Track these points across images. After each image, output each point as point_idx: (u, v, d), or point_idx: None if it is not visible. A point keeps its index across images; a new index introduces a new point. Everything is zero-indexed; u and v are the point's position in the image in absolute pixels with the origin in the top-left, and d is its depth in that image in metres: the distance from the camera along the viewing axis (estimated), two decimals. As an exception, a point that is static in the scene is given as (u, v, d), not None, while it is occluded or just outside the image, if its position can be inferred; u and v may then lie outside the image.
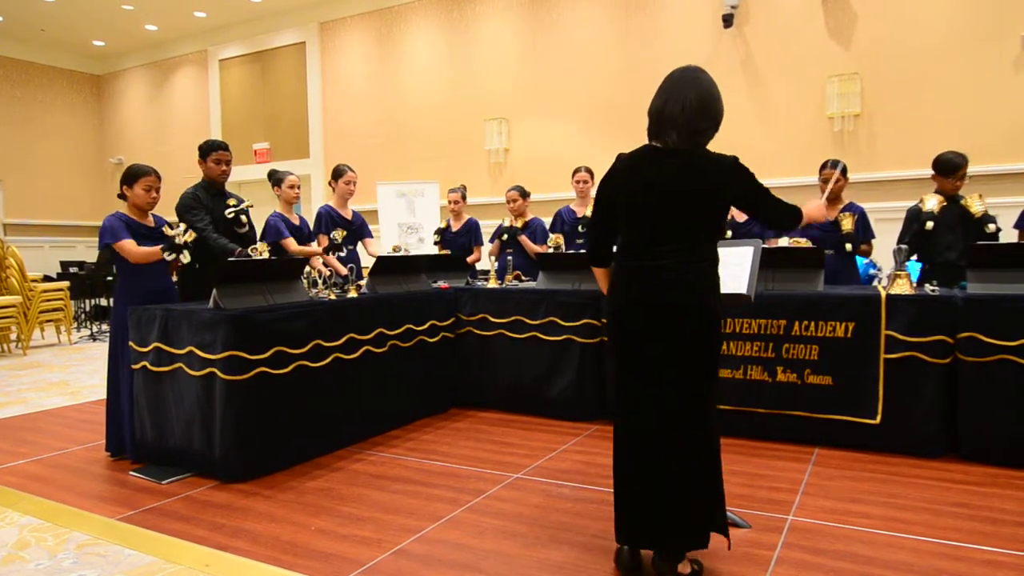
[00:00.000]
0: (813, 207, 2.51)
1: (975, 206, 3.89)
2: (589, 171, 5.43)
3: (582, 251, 5.00)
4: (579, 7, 7.43)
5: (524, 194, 5.54)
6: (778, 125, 6.46)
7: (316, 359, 3.57)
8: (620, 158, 2.31)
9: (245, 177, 9.53)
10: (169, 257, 3.50)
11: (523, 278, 5.00)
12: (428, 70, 8.45)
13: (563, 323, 4.24)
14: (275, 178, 4.65)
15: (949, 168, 4.04)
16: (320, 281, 4.05)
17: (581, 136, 7.28)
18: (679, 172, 2.18)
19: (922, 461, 3.35)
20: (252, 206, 4.21)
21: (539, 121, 7.70)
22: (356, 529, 2.70)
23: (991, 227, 3.82)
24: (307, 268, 4.06)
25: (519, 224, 5.49)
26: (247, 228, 4.12)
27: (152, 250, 3.54)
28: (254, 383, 3.26)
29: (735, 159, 2.21)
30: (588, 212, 5.26)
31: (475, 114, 8.03)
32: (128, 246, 3.53)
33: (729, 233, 4.57)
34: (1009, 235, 4.31)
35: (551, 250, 5.02)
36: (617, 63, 7.03)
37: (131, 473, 3.43)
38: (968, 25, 5.70)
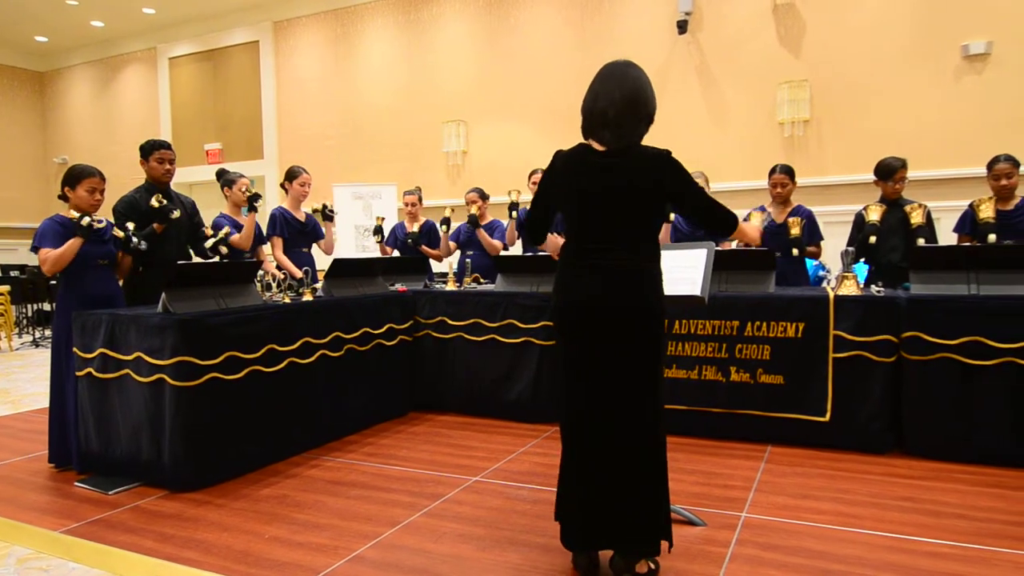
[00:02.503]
0: (753, 228, 2.53)
1: (915, 218, 4.04)
2: None
3: (541, 253, 5.02)
4: (536, 11, 7.47)
5: (484, 196, 5.53)
6: (731, 130, 6.59)
7: (270, 364, 3.50)
8: (558, 156, 2.31)
9: (196, 178, 9.31)
10: (83, 229, 3.35)
11: (482, 280, 5.00)
12: (385, 71, 8.38)
13: (521, 325, 4.25)
14: (225, 179, 4.54)
15: (888, 172, 4.21)
16: (274, 284, 3.98)
17: (539, 139, 7.31)
18: (614, 171, 2.18)
19: (870, 457, 3.45)
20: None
21: (497, 124, 7.71)
22: (312, 536, 2.66)
23: (920, 241, 3.96)
24: (260, 271, 3.97)
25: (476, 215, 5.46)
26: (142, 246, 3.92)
27: (67, 244, 3.37)
28: (205, 389, 3.18)
29: (668, 153, 2.20)
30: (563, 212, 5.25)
31: (433, 116, 8.00)
32: (46, 255, 3.36)
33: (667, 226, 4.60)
34: (949, 238, 4.48)
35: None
36: (574, 67, 7.08)
37: (76, 484, 3.31)
38: (912, 36, 5.91)
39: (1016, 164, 4.03)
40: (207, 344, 3.20)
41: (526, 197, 4.61)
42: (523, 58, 7.53)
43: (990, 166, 4.10)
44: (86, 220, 3.38)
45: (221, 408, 3.26)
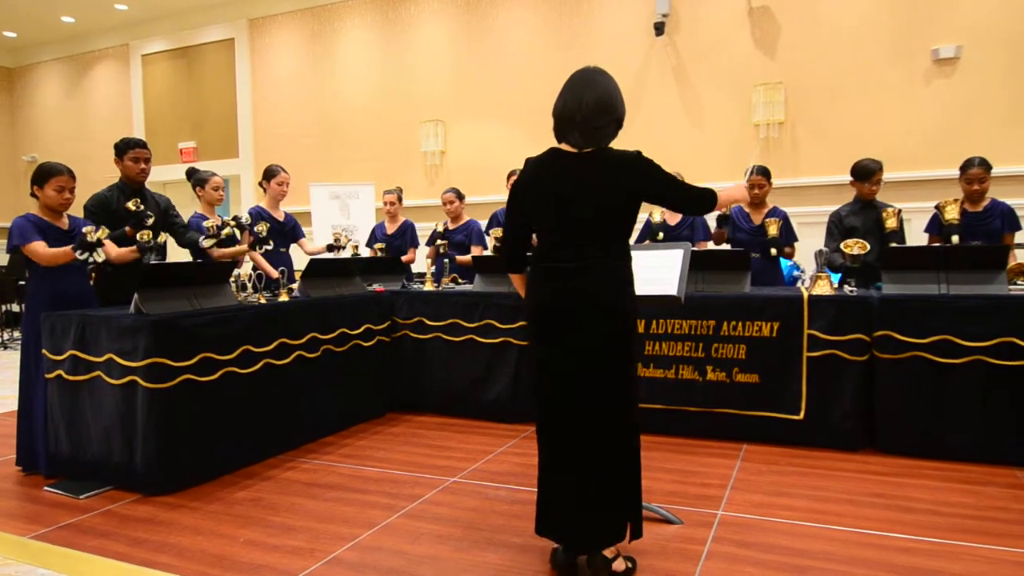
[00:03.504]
0: (736, 191, 2.52)
1: (889, 222, 4.11)
2: None
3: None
4: (514, 11, 7.47)
5: (460, 196, 5.53)
6: (707, 131, 6.64)
7: (245, 365, 3.46)
8: (528, 163, 2.33)
9: (170, 177, 9.16)
10: (81, 256, 3.33)
11: (460, 281, 4.99)
12: (363, 70, 8.33)
13: (500, 325, 4.25)
14: (197, 178, 4.47)
15: (865, 173, 4.27)
16: (250, 285, 3.94)
17: (517, 139, 7.31)
18: (585, 173, 2.20)
19: (843, 454, 3.50)
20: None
21: (475, 124, 7.70)
22: (288, 539, 2.63)
23: (893, 246, 4.03)
24: (236, 271, 3.93)
25: (451, 226, 5.46)
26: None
27: (62, 250, 3.35)
28: (179, 391, 3.13)
29: (638, 153, 2.23)
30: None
31: (411, 116, 7.97)
32: (37, 248, 3.34)
33: (661, 235, 4.66)
34: (920, 238, 4.56)
35: (489, 250, 5.00)
36: (553, 68, 7.09)
37: (45, 488, 3.24)
38: (884, 39, 6.00)
39: (988, 168, 4.10)
40: (181, 345, 3.16)
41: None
42: (501, 58, 7.53)
43: (963, 168, 4.17)
44: (87, 230, 3.32)
45: (195, 410, 3.22)
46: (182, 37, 9.57)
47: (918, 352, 3.37)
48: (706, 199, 2.33)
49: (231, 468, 3.41)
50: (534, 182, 2.29)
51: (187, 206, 5.29)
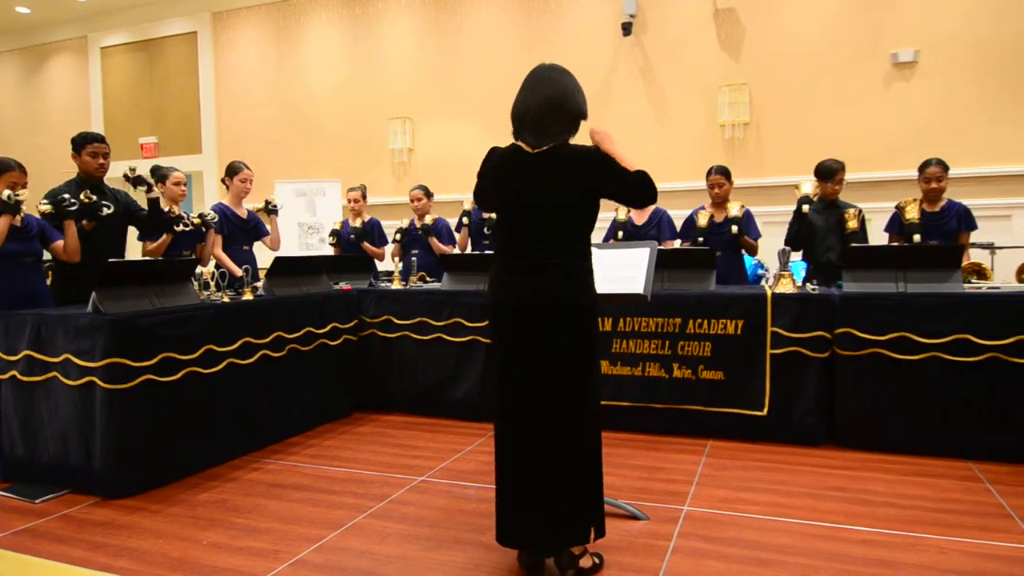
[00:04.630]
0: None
1: (850, 222, 4.21)
2: None
3: (488, 252, 5.02)
4: (482, 9, 7.45)
5: (428, 194, 5.50)
6: (674, 131, 6.71)
7: (208, 365, 3.40)
8: (493, 152, 2.33)
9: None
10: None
11: (428, 279, 4.97)
12: (329, 66, 8.24)
13: (468, 324, 4.24)
14: (159, 174, 4.38)
15: (827, 173, 4.36)
16: (212, 283, 3.87)
17: (485, 137, 7.28)
18: (542, 171, 2.20)
19: (805, 449, 3.56)
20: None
21: (443, 121, 7.67)
22: (252, 541, 2.59)
23: (853, 245, 4.12)
24: (198, 270, 3.86)
25: (429, 221, 5.44)
26: (155, 193, 3.86)
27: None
28: (139, 392, 3.06)
29: (596, 150, 2.22)
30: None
31: (378, 113, 7.90)
32: None
33: (620, 234, 4.70)
34: (880, 237, 4.67)
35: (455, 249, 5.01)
36: (521, 66, 7.02)
37: (-2, 493, 3.15)
38: (846, 43, 6.13)
39: (945, 168, 4.21)
40: (140, 345, 3.09)
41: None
42: (469, 56, 7.51)
43: (921, 169, 4.27)
44: (6, 194, 3.22)
45: (156, 411, 3.15)
46: (143, 30, 9.36)
47: (877, 349, 3.45)
48: (643, 183, 2.22)
49: (193, 470, 3.35)
50: (496, 175, 2.29)
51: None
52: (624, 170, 2.21)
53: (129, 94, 9.55)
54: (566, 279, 2.19)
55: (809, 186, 4.28)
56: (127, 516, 2.85)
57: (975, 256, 4.60)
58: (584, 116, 2.30)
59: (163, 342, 3.18)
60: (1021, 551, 2.39)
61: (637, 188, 2.21)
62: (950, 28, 5.82)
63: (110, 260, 3.40)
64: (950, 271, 3.53)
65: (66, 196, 3.43)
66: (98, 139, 3.78)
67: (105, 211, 3.56)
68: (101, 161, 3.76)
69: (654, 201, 2.29)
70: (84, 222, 3.56)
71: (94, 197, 3.56)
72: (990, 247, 4.87)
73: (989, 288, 3.55)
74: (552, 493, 2.20)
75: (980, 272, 3.98)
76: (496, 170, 2.29)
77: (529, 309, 2.20)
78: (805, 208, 4.24)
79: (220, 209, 4.68)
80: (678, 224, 4.82)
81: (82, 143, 3.73)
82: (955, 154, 4.57)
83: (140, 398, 3.07)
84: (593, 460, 2.27)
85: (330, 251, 5.76)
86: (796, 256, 4.47)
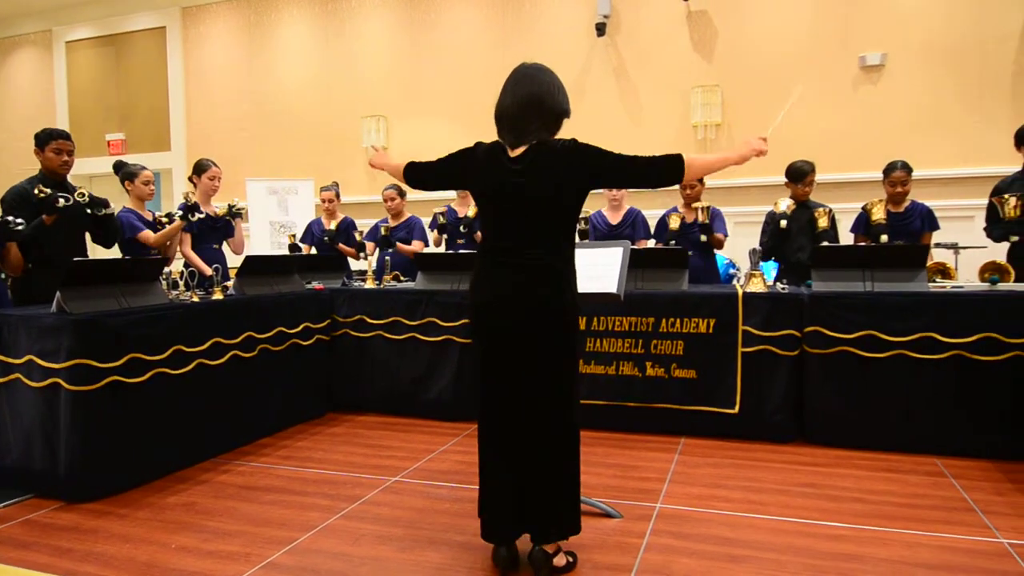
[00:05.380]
0: (741, 150, 2.41)
1: (821, 222, 4.28)
2: None
3: (462, 251, 5.01)
4: (457, 7, 7.43)
5: (401, 193, 5.47)
6: (647, 131, 6.75)
7: (177, 366, 3.34)
8: (479, 146, 2.33)
9: (97, 170, 8.78)
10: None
11: (402, 278, 4.94)
12: (302, 63, 8.15)
13: (442, 323, 4.23)
14: (125, 172, 4.30)
15: (798, 175, 4.43)
16: (181, 282, 3.80)
17: (460, 136, 7.26)
18: (525, 170, 2.20)
19: (775, 446, 3.61)
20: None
21: (418, 120, 7.63)
22: (222, 544, 2.55)
23: (822, 245, 4.19)
24: (167, 269, 3.79)
25: (392, 223, 5.41)
26: (111, 209, 3.79)
27: None
28: (105, 393, 3.00)
29: (573, 141, 2.20)
30: (470, 212, 5.27)
31: (352, 110, 7.84)
32: None
33: (580, 222, 4.71)
34: (847, 238, 4.75)
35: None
36: (495, 65, 7.09)
37: (-42, 498, 3.07)
38: (815, 45, 6.23)
39: (909, 171, 4.30)
40: (107, 345, 3.02)
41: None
42: (444, 54, 7.49)
43: (887, 172, 4.36)
44: None
45: (123, 413, 3.09)
46: (109, 24, 9.16)
47: (845, 347, 3.51)
48: (672, 164, 2.18)
49: (162, 472, 3.29)
50: (479, 171, 2.28)
51: (116, 200, 5.07)
52: (619, 154, 2.19)
53: (95, 90, 9.34)
54: (549, 278, 2.20)
55: (784, 204, 4.35)
56: (93, 520, 2.79)
57: (939, 256, 4.70)
58: (567, 114, 2.30)
59: (130, 342, 3.12)
60: (984, 544, 2.44)
61: (652, 164, 2.18)
62: (916, 33, 5.95)
63: (75, 259, 3.33)
64: (915, 271, 3.61)
65: (9, 219, 3.32)
66: (62, 135, 3.70)
67: (62, 202, 3.47)
68: (65, 158, 3.67)
69: (681, 174, 2.20)
70: (44, 216, 3.48)
71: (48, 191, 3.48)
72: (954, 247, 4.98)
73: (953, 287, 3.63)
74: (534, 488, 2.21)
75: (944, 272, 4.07)
76: (481, 166, 2.28)
77: (512, 308, 2.19)
78: (783, 224, 4.30)
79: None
80: (652, 224, 4.86)
81: (45, 139, 3.65)
82: (920, 156, 4.66)
83: (106, 400, 3.01)
84: (572, 458, 2.28)
85: (298, 247, 5.69)
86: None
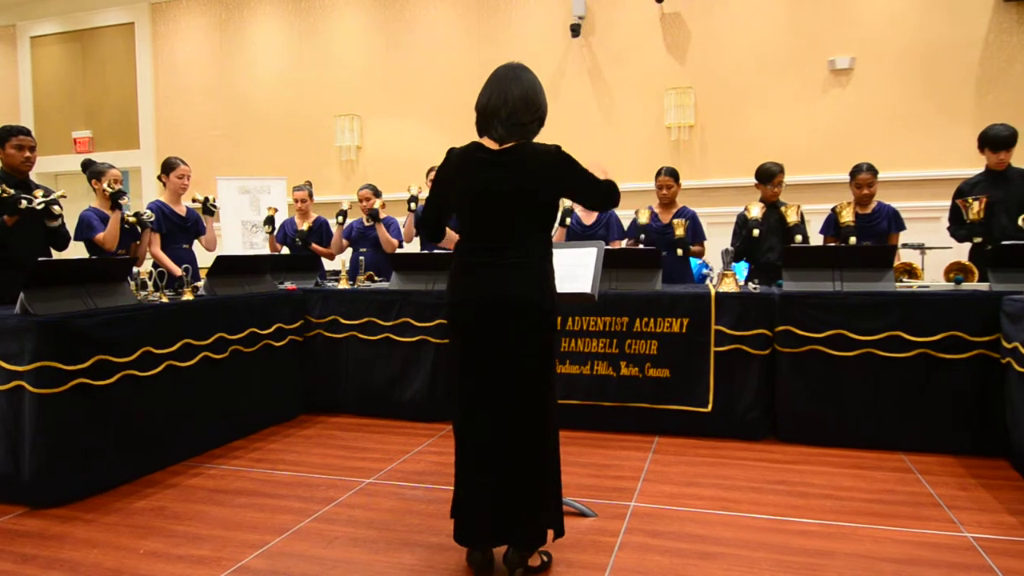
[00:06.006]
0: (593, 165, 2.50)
1: (791, 216, 4.34)
2: None
3: (436, 251, 4.99)
4: (431, 8, 7.41)
5: (377, 193, 5.44)
6: (621, 132, 6.80)
7: (145, 368, 3.28)
8: (451, 153, 2.32)
9: (63, 168, 8.61)
10: None
11: (376, 278, 4.91)
12: (274, 61, 8.06)
13: (417, 324, 4.21)
14: (92, 170, 4.21)
15: (767, 176, 4.49)
16: (150, 283, 3.74)
17: (435, 135, 7.26)
18: (506, 169, 2.20)
19: (748, 444, 3.66)
20: (64, 196, 3.81)
21: (392, 119, 7.59)
22: (192, 549, 2.52)
23: (798, 238, 4.26)
24: (135, 269, 3.72)
25: (368, 223, 5.37)
26: (59, 221, 3.72)
27: None
28: (70, 396, 2.94)
29: (558, 148, 2.23)
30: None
31: (325, 109, 7.77)
32: None
33: (568, 220, 4.72)
34: (816, 238, 4.82)
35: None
36: (470, 65, 7.09)
37: (-84, 505, 2.98)
38: (785, 50, 6.32)
39: (875, 173, 4.38)
40: (73, 347, 2.96)
41: (426, 193, 4.56)
42: (418, 54, 7.46)
43: (853, 174, 4.43)
44: None
45: (90, 416, 3.03)
46: (76, 19, 8.98)
47: (815, 346, 3.56)
48: (610, 192, 2.36)
49: (130, 477, 3.24)
50: (456, 174, 2.28)
51: (82, 199, 4.98)
52: (591, 174, 2.28)
53: (61, 86, 9.15)
54: (528, 279, 2.19)
55: (757, 210, 4.40)
56: (59, 526, 2.73)
57: (906, 256, 4.79)
58: (546, 116, 2.32)
59: (97, 344, 3.06)
60: (949, 538, 2.50)
61: (608, 193, 2.33)
62: (884, 38, 6.06)
63: (40, 259, 3.25)
64: (883, 271, 3.67)
65: None
66: (22, 132, 3.62)
67: (24, 203, 3.40)
68: (27, 155, 3.59)
69: (615, 205, 2.40)
70: (5, 217, 3.40)
71: (11, 191, 3.40)
72: (920, 247, 5.08)
73: (919, 287, 3.71)
74: (511, 493, 2.20)
75: (911, 272, 4.15)
76: (458, 168, 2.27)
77: (489, 308, 2.18)
78: (756, 232, 4.35)
79: (157, 207, 4.53)
80: (625, 224, 4.89)
81: (5, 136, 3.57)
82: (887, 158, 4.75)
83: (72, 403, 2.95)
84: (552, 461, 2.28)
85: (271, 244, 5.63)
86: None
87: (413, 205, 5.10)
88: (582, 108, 6.86)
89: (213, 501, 2.98)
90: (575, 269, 2.66)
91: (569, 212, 4.68)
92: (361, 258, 5.14)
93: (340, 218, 5.29)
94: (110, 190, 4.01)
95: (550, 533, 2.30)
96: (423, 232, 2.50)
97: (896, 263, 3.98)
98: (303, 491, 3.09)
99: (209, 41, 8.34)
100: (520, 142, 2.23)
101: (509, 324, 2.18)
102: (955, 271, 3.95)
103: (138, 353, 3.24)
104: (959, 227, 4.27)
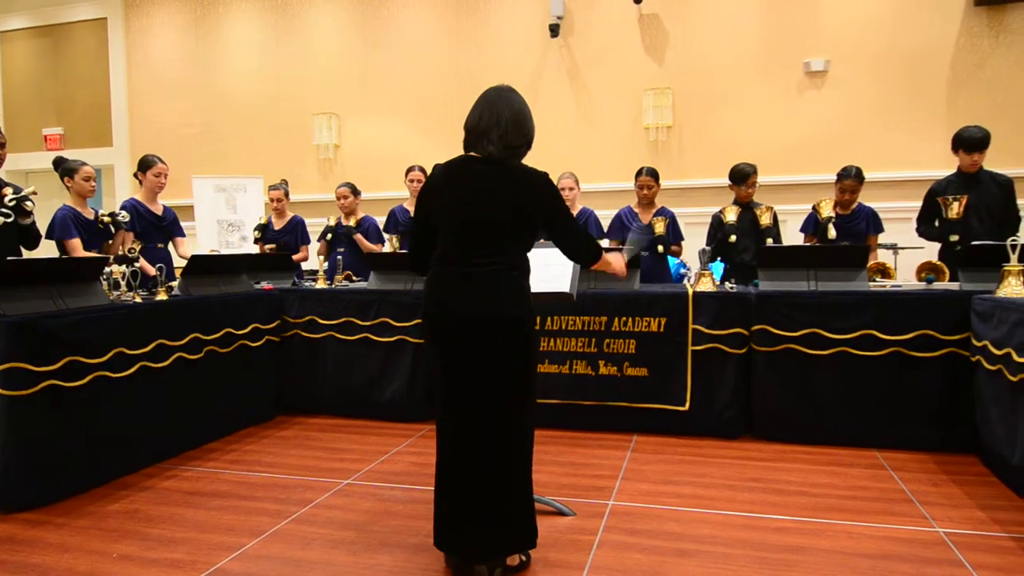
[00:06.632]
0: (616, 260, 2.62)
1: (764, 219, 4.38)
2: (423, 170, 5.41)
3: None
4: (410, 5, 7.37)
5: (355, 191, 5.41)
6: (600, 132, 6.82)
7: (118, 369, 3.23)
8: (436, 169, 2.32)
9: (33, 165, 8.43)
10: None
11: (354, 278, 4.88)
12: (251, 58, 7.97)
13: (395, 324, 4.19)
14: (65, 167, 4.14)
15: (741, 177, 4.53)
16: (123, 283, 3.68)
17: (413, 134, 7.23)
18: (492, 181, 2.21)
19: (724, 442, 3.69)
20: (36, 193, 3.74)
21: (371, 118, 7.55)
22: (166, 552, 2.48)
23: (769, 240, 4.30)
24: (107, 269, 3.66)
25: (352, 223, 5.35)
26: (31, 219, 3.65)
27: None
28: (40, 398, 2.88)
29: (546, 176, 2.26)
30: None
31: (303, 107, 7.70)
32: None
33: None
34: (793, 238, 4.89)
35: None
36: (448, 64, 7.07)
37: None
38: (761, 52, 6.38)
39: (861, 180, 4.38)
40: (43, 348, 2.90)
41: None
42: (397, 52, 7.42)
43: (839, 176, 4.44)
44: None
45: (61, 418, 2.97)
46: (46, 14, 8.81)
47: (790, 345, 3.60)
48: (593, 251, 2.41)
49: (103, 479, 3.18)
50: (444, 186, 2.27)
51: (55, 197, 4.89)
52: (569, 213, 2.32)
53: (31, 82, 8.97)
54: (505, 292, 2.19)
55: (733, 215, 4.44)
56: (29, 530, 2.68)
57: (880, 256, 4.86)
58: (533, 140, 2.34)
59: (68, 345, 3.01)
60: (921, 533, 2.54)
61: (583, 243, 2.38)
62: (859, 40, 6.15)
63: (8, 259, 3.19)
64: (857, 270, 3.73)
65: None
66: (-7, 129, 3.54)
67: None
68: (-4, 152, 3.52)
69: (590, 263, 2.44)
70: None
71: None
72: (893, 248, 5.16)
73: (892, 286, 3.76)
74: (487, 501, 2.20)
75: (884, 271, 4.21)
76: (447, 179, 2.27)
77: (466, 318, 2.18)
78: (733, 238, 4.39)
79: (132, 205, 4.46)
80: (605, 224, 4.91)
81: (-26, 133, 3.50)
82: (862, 159, 4.81)
83: (42, 405, 2.90)
84: (525, 470, 2.28)
85: (255, 249, 5.58)
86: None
87: (329, 236, 5.32)
88: (561, 108, 6.87)
89: (188, 504, 2.95)
90: (554, 269, 2.66)
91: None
92: (339, 258, 5.11)
93: (330, 235, 5.31)
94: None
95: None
96: (410, 264, 2.47)
97: (870, 263, 4.05)
98: (280, 493, 3.06)
99: (184, 37, 8.23)
100: (513, 160, 2.25)
101: (488, 335, 2.18)
102: (926, 271, 4.03)
103: (110, 354, 3.19)
104: (930, 226, 4.35)
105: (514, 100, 2.27)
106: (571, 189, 4.80)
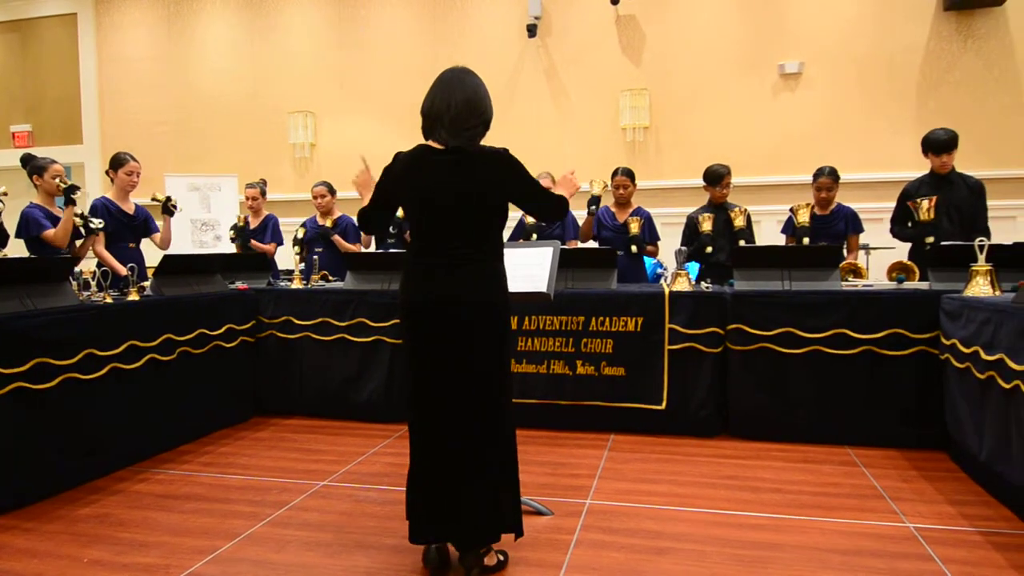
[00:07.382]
0: (567, 189, 2.60)
1: (738, 221, 4.43)
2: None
3: (392, 250, 4.95)
4: (386, 5, 7.34)
5: (332, 190, 5.37)
6: (577, 132, 6.85)
7: (88, 370, 3.17)
8: (398, 157, 2.31)
9: (1, 163, 8.26)
10: None
11: (330, 278, 4.84)
12: (225, 55, 7.88)
13: (372, 324, 4.17)
14: (34, 165, 4.05)
15: (715, 178, 4.58)
16: (93, 283, 3.62)
17: (390, 134, 7.20)
18: (455, 170, 2.21)
19: (700, 440, 3.72)
20: (6, 193, 3.66)
21: (347, 116, 7.50)
22: (138, 556, 2.44)
23: (741, 243, 4.35)
24: (77, 269, 3.60)
25: (328, 223, 5.30)
26: None
27: None
28: (8, 401, 2.82)
29: (505, 152, 2.26)
30: (399, 212, 5.21)
31: (278, 105, 7.63)
32: None
33: (535, 236, 4.77)
34: (768, 238, 4.94)
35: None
36: (425, 64, 7.04)
37: None
38: (736, 54, 6.45)
39: (836, 178, 4.49)
40: (10, 350, 2.84)
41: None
42: (373, 51, 7.38)
43: (815, 177, 4.53)
44: None
45: (29, 421, 2.91)
46: (13, 9, 8.62)
47: (765, 343, 3.64)
48: (562, 204, 2.43)
49: (73, 483, 3.13)
50: (404, 176, 2.27)
51: (23, 195, 4.79)
52: (537, 182, 2.31)
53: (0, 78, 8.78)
54: (480, 279, 2.20)
55: (709, 224, 4.48)
56: (-5, 536, 2.62)
57: (863, 256, 4.94)
58: (490, 121, 2.32)
59: (36, 346, 2.94)
60: (892, 529, 2.59)
61: (552, 203, 2.38)
62: (832, 43, 6.24)
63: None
64: (829, 270, 3.78)
65: None
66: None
67: None
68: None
69: (561, 218, 2.45)
70: None
71: None
72: (865, 248, 5.25)
73: (864, 286, 3.82)
74: (466, 491, 2.19)
75: (856, 271, 4.28)
76: (406, 171, 2.26)
77: (442, 309, 2.18)
78: (709, 249, 4.44)
79: (102, 204, 4.38)
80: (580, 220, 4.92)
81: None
82: (834, 161, 4.87)
83: (10, 408, 2.83)
84: (509, 460, 2.28)
85: (230, 248, 5.52)
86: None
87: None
88: (538, 108, 6.89)
89: (161, 507, 2.90)
90: (531, 268, 2.67)
91: (535, 228, 4.70)
92: (315, 258, 5.07)
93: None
94: (63, 186, 3.90)
95: (510, 536, 2.30)
96: (360, 224, 2.46)
97: (844, 263, 4.10)
98: (255, 495, 3.03)
99: (156, 33, 8.11)
100: (470, 144, 2.23)
101: (463, 324, 2.18)
102: (897, 270, 4.09)
103: (80, 355, 3.13)
104: (903, 227, 4.42)
105: (467, 82, 2.25)
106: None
